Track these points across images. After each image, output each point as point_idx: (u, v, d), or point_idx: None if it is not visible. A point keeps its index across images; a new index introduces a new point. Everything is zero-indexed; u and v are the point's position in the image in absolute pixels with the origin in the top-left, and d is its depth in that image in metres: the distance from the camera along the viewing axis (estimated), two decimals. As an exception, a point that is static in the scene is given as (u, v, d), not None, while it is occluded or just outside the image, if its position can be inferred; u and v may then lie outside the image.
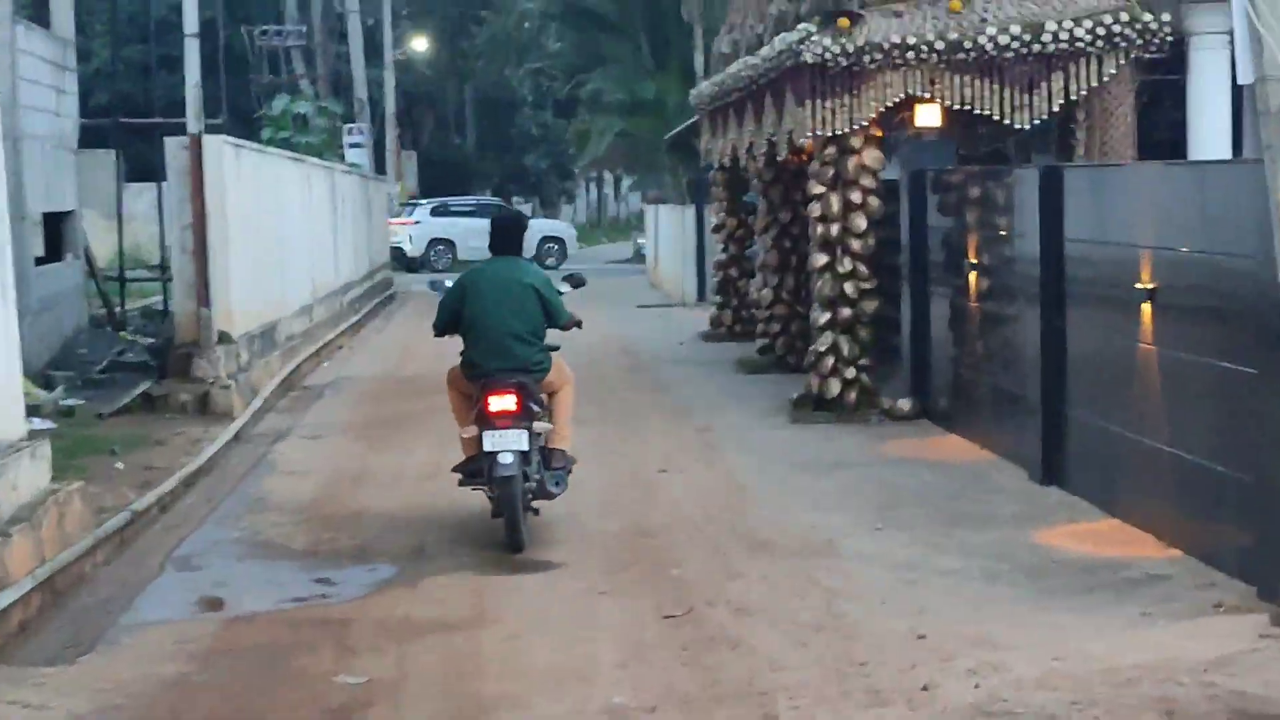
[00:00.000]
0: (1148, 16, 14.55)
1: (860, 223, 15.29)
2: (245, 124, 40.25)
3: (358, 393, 18.46)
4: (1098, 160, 14.92)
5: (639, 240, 46.85)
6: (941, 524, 10.76)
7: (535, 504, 10.58)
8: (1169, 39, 14.62)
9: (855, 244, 15.31)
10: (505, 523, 10.19)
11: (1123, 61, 14.73)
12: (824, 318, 15.43)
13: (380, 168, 44.79)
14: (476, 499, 11.05)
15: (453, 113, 66.39)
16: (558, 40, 45.57)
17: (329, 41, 46.58)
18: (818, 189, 15.38)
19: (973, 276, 13.65)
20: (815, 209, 15.43)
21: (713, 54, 22.37)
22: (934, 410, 14.99)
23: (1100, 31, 14.57)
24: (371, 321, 29.02)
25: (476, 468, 10.41)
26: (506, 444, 10.17)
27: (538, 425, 10.38)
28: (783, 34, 15.57)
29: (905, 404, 15.16)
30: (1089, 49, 14.65)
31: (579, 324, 10.96)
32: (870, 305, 15.40)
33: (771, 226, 19.56)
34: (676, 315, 28.82)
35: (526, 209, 70.93)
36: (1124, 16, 14.57)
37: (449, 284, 10.87)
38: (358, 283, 29.96)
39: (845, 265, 15.33)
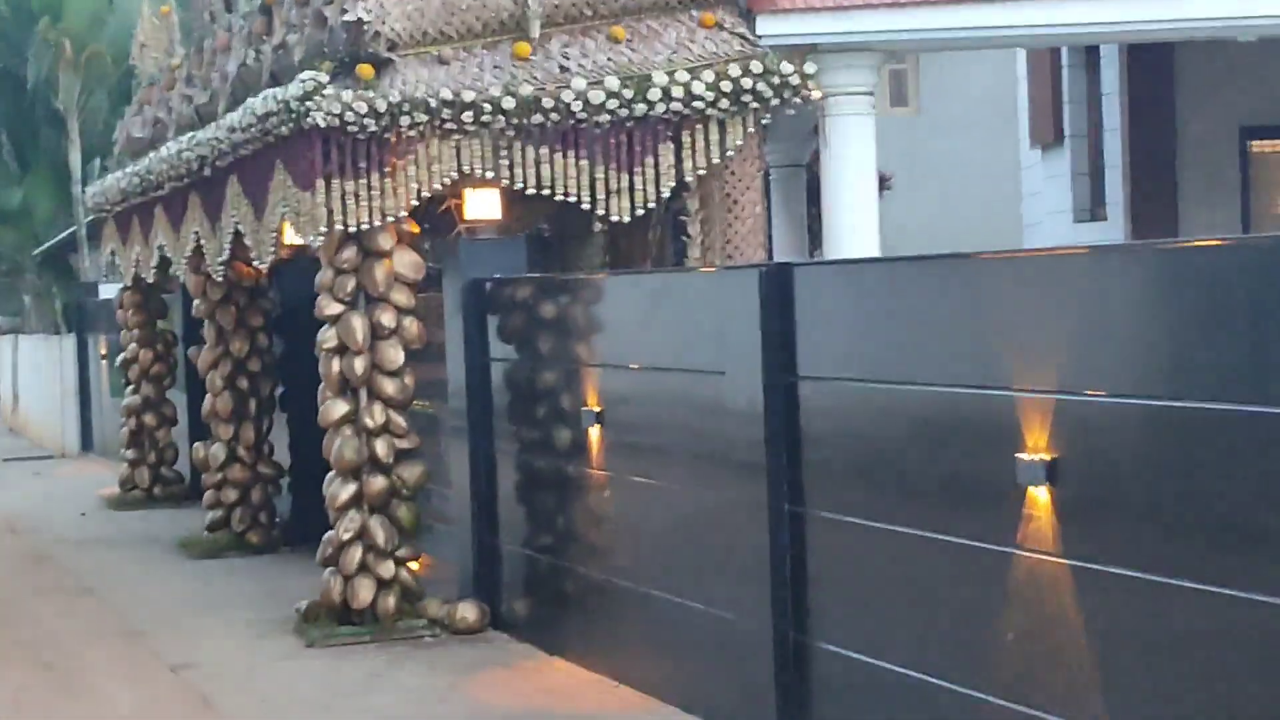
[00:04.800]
0: (788, 68, 10.68)
1: (395, 355, 10.75)
2: None
3: None
4: (721, 262, 10.94)
5: None
6: None
7: None
8: (811, 97, 10.82)
9: (388, 386, 10.75)
10: None
11: (751, 129, 10.82)
12: (346, 492, 10.76)
13: None
14: None
15: None
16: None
17: None
18: (332, 308, 10.76)
19: (594, 432, 9.32)
20: (329, 337, 10.79)
21: (117, 142, 17.36)
22: (512, 619, 10.57)
23: (726, 88, 10.60)
24: None
25: None
26: None
27: None
28: (273, 90, 10.91)
29: (469, 611, 10.63)
30: (710, 111, 10.67)
31: None
32: (413, 472, 10.85)
33: (222, 361, 14.71)
34: (57, 471, 23.24)
35: None
36: (756, 67, 10.66)
37: None
38: None
39: (375, 416, 10.74)
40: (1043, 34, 11.11)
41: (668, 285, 8.77)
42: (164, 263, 15.52)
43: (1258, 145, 18.16)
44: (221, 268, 13.10)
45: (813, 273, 7.60)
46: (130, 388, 18.42)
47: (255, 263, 11.89)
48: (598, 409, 9.28)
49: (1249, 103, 17.71)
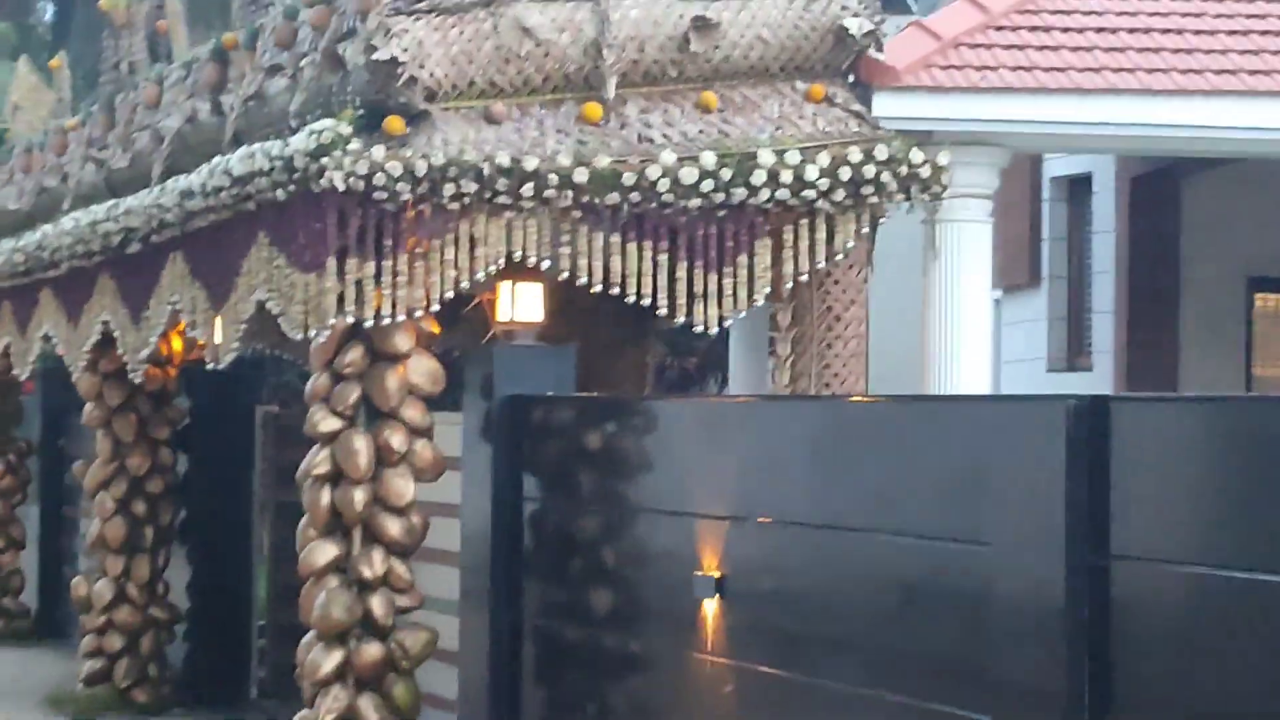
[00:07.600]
0: (918, 157, 8.60)
1: (403, 488, 8.41)
2: None
3: None
4: (816, 390, 8.80)
5: None
6: None
7: None
8: (941, 194, 8.77)
9: (393, 527, 8.40)
10: None
11: (866, 228, 8.73)
12: (330, 661, 8.34)
13: None
14: None
15: None
16: None
17: None
18: (328, 424, 8.39)
19: (711, 608, 7.07)
20: (320, 461, 8.41)
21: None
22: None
23: (844, 176, 8.49)
24: None
25: None
26: None
27: None
28: (263, 145, 8.57)
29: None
30: (820, 203, 8.55)
31: None
32: (417, 640, 8.48)
33: (116, 480, 12.15)
34: None
35: None
36: (880, 153, 8.56)
37: None
38: None
39: (375, 565, 8.37)
40: (1226, 138, 9.19)
41: (884, 415, 6.55)
42: (38, 358, 13.11)
43: (1262, 299, 16.57)
44: (143, 366, 10.66)
45: (1148, 411, 5.46)
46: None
47: (211, 362, 9.48)
48: (718, 574, 7.04)
49: (1256, 249, 16.10)
